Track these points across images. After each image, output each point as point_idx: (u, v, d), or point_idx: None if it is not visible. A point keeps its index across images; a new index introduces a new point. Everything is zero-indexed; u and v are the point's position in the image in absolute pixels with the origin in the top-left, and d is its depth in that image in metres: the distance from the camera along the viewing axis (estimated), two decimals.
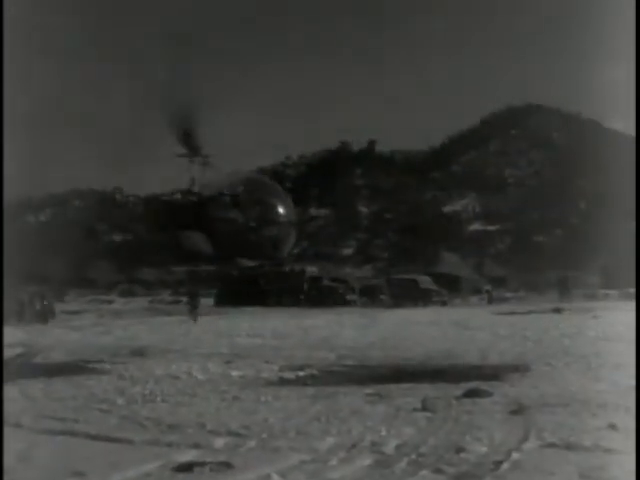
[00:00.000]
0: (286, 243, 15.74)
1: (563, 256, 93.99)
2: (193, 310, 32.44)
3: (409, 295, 47.44)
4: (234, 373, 13.52)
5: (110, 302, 59.21)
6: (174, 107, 13.02)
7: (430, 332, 23.15)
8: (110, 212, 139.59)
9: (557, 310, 34.89)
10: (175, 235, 14.46)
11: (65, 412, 9.68)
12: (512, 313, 33.68)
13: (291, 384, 12.21)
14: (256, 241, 14.79)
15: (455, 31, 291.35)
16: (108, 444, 7.79)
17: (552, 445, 7.35)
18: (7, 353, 17.00)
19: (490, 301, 53.64)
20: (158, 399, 10.74)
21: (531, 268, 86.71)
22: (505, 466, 6.61)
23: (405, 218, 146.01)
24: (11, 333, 22.74)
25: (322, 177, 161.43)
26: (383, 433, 8.02)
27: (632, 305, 24.64)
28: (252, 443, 7.70)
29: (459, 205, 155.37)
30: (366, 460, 6.94)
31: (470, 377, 12.33)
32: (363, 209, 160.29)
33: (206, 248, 14.43)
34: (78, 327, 28.33)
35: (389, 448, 7.35)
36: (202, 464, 6.78)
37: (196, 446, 7.58)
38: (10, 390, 11.22)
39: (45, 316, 32.99)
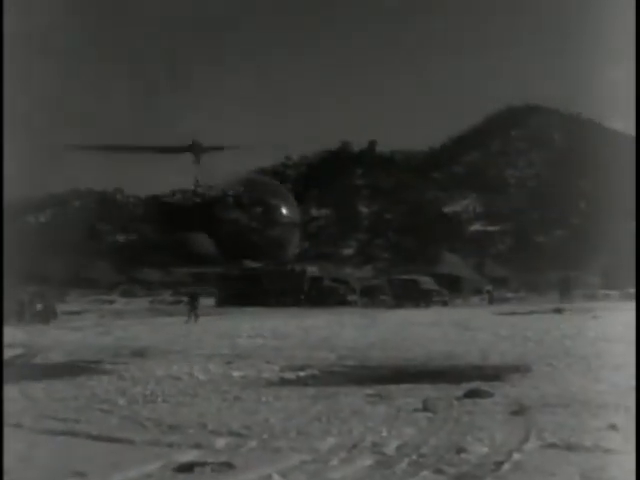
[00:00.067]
0: (290, 244, 15.75)
1: (564, 256, 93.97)
2: (193, 310, 32.49)
3: (410, 295, 47.42)
4: (235, 373, 13.53)
5: (111, 302, 59.22)
6: (174, 108, 13.03)
7: (431, 332, 23.15)
8: (111, 212, 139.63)
9: (558, 310, 34.90)
10: (180, 237, 14.47)
11: (66, 412, 9.68)
12: (513, 313, 33.68)
13: (292, 384, 12.22)
14: (260, 242, 14.80)
15: (455, 31, 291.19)
16: (109, 444, 7.80)
17: (553, 446, 7.36)
18: (8, 353, 17.03)
19: (491, 301, 53.62)
20: (159, 399, 10.75)
21: (532, 268, 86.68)
22: (506, 467, 6.61)
23: (406, 218, 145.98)
24: (12, 333, 22.76)
25: (322, 177, 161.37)
26: (384, 433, 8.02)
27: (632, 305, 24.63)
28: (253, 443, 7.70)
29: (460, 205, 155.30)
30: (367, 460, 6.95)
31: (471, 378, 12.33)
32: (363, 209, 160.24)
33: (211, 249, 14.42)
34: (79, 327, 28.36)
35: (390, 448, 7.35)
36: (203, 464, 6.79)
37: (197, 446, 7.59)
38: (11, 390, 11.23)
39: (47, 316, 33.01)
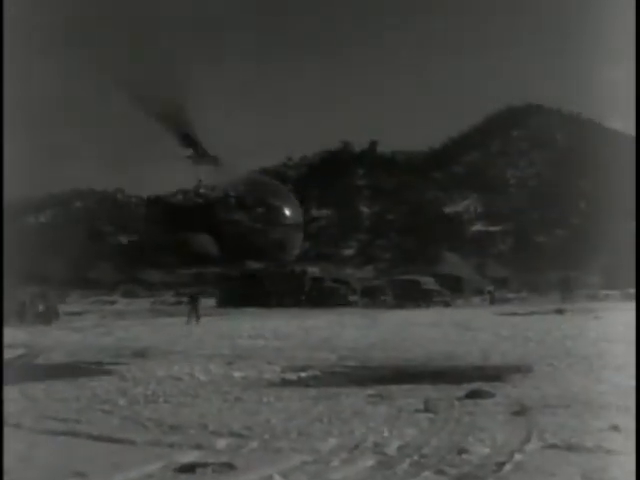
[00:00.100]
0: (294, 245, 15.69)
1: (564, 256, 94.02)
2: (193, 311, 32.50)
3: (411, 296, 47.44)
4: (236, 374, 13.52)
5: (112, 303, 59.29)
6: (173, 108, 13.00)
7: (432, 333, 23.14)
8: (111, 213, 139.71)
9: (559, 311, 34.91)
10: (182, 237, 14.44)
11: (67, 413, 9.68)
12: (514, 314, 33.68)
13: (293, 385, 12.21)
14: (263, 243, 14.75)
15: (455, 31, 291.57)
16: (110, 445, 7.80)
17: (554, 446, 7.35)
18: (9, 354, 17.03)
19: (492, 302, 53.64)
20: (160, 400, 10.74)
21: (533, 269, 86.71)
22: (507, 467, 6.61)
23: (407, 219, 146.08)
24: (13, 334, 22.76)
25: (323, 178, 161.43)
26: (385, 434, 8.02)
27: (633, 305, 24.60)
28: (254, 444, 7.70)
29: (461, 206, 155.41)
30: (368, 461, 6.94)
31: (472, 378, 12.32)
32: (364, 210, 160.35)
33: (213, 250, 14.39)
34: (80, 328, 28.37)
35: (391, 449, 7.35)
36: (204, 465, 6.78)
37: (198, 447, 7.58)
38: (12, 391, 11.22)
39: (49, 317, 33.01)
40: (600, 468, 6.51)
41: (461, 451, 7.16)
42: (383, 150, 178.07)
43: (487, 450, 7.22)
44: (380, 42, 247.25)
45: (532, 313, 33.91)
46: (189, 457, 7.17)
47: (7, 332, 21.64)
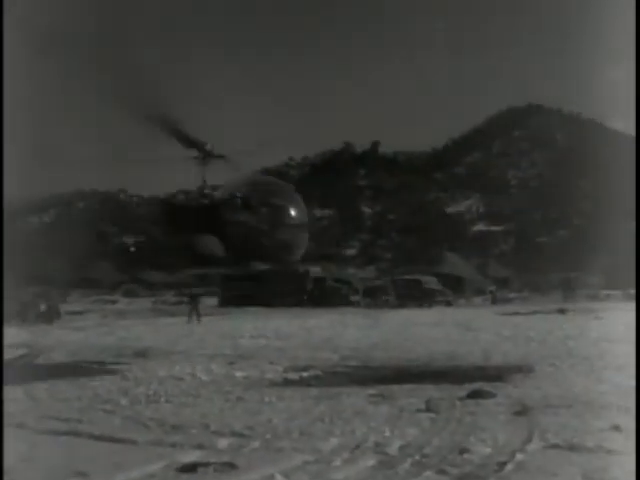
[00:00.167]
0: (299, 245, 15.71)
1: (566, 256, 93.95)
2: (193, 311, 32.50)
3: (413, 296, 47.40)
4: (238, 374, 13.53)
5: (114, 302, 59.31)
6: (173, 109, 13.01)
7: (433, 333, 23.13)
8: (114, 213, 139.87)
9: (561, 311, 34.87)
10: (187, 238, 14.43)
11: (69, 412, 9.69)
12: (516, 314, 33.64)
13: (295, 385, 12.21)
14: (269, 244, 14.75)
15: (455, 31, 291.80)
16: (112, 444, 7.81)
17: (555, 446, 7.35)
18: (11, 354, 17.05)
19: (494, 302, 53.61)
20: (162, 400, 10.75)
21: (534, 269, 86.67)
22: (509, 467, 6.62)
23: (408, 219, 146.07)
24: (15, 334, 22.78)
25: (325, 178, 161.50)
26: (387, 434, 8.02)
27: (634, 306, 24.57)
28: (256, 444, 7.71)
29: (463, 206, 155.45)
30: (370, 461, 6.95)
31: (473, 378, 12.32)
32: (366, 210, 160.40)
33: (219, 251, 14.39)
34: (82, 328, 28.37)
35: (393, 449, 7.35)
36: (206, 465, 6.79)
37: (200, 447, 7.59)
38: (14, 391, 11.24)
39: (50, 317, 33.03)
40: (601, 468, 6.51)
41: (462, 451, 7.16)
42: (385, 150, 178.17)
43: (488, 450, 7.23)
44: (380, 42, 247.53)
45: (534, 313, 33.87)
46: (191, 457, 7.18)
47: (9, 332, 21.67)
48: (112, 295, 70.65)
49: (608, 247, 66.68)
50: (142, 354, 17.52)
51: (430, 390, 11.17)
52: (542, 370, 13.26)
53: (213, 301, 50.26)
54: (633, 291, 42.81)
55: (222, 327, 27.59)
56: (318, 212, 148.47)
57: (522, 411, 9.20)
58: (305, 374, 13.47)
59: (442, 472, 6.51)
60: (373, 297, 49.86)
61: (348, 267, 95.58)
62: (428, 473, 6.49)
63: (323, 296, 48.65)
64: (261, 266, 16.12)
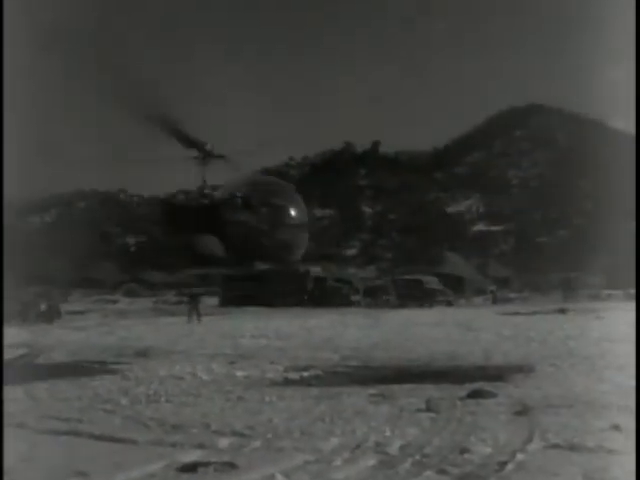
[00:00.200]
0: (299, 245, 15.71)
1: (566, 256, 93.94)
2: (193, 311, 32.50)
3: (414, 295, 47.40)
4: (238, 373, 13.53)
5: (115, 302, 59.34)
6: (173, 108, 13.03)
7: (434, 333, 23.12)
8: (114, 213, 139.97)
9: (561, 311, 34.87)
10: (187, 238, 14.43)
11: (69, 412, 9.69)
12: (516, 314, 33.64)
13: (295, 384, 12.21)
14: (269, 244, 14.76)
15: (456, 31, 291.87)
16: (112, 444, 7.80)
17: (556, 446, 7.35)
18: (11, 353, 17.05)
19: (494, 301, 53.65)
20: (162, 399, 10.75)
21: (535, 268, 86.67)
22: (509, 467, 6.61)
23: (409, 218, 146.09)
24: (15, 333, 22.79)
25: (326, 178, 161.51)
26: (387, 434, 8.02)
27: (634, 306, 24.56)
28: (256, 443, 7.70)
29: (463, 206, 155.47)
30: (370, 460, 6.95)
31: (474, 378, 12.31)
32: (367, 210, 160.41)
33: (219, 251, 14.39)
34: (82, 327, 28.37)
35: (393, 449, 7.35)
36: (206, 464, 6.79)
37: (200, 446, 7.59)
38: (14, 390, 11.24)
39: (51, 316, 33.04)
40: (602, 468, 6.51)
41: (463, 451, 7.16)
42: (385, 150, 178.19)
43: (489, 450, 7.22)
44: (381, 42, 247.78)
45: (534, 313, 33.86)
46: (191, 456, 7.17)
47: (9, 331, 21.68)
48: (113, 295, 70.69)
49: (608, 247, 66.69)
50: (143, 354, 17.51)
51: (430, 390, 11.16)
52: (543, 370, 13.25)
53: (214, 301, 50.26)
54: (633, 291, 42.82)
55: (223, 327, 27.59)
56: (318, 212, 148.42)
57: (523, 411, 9.20)
58: (306, 374, 13.47)
59: (442, 472, 6.50)
60: (374, 297, 49.85)
61: (349, 267, 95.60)
62: (428, 473, 6.49)
63: (324, 296, 48.63)
64: (261, 266, 16.11)
